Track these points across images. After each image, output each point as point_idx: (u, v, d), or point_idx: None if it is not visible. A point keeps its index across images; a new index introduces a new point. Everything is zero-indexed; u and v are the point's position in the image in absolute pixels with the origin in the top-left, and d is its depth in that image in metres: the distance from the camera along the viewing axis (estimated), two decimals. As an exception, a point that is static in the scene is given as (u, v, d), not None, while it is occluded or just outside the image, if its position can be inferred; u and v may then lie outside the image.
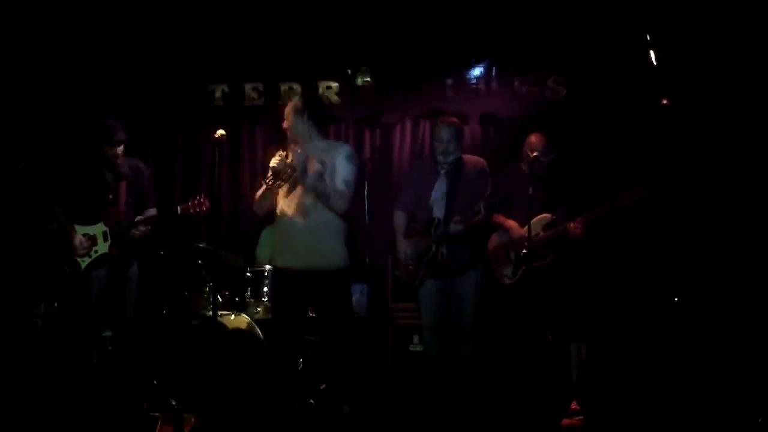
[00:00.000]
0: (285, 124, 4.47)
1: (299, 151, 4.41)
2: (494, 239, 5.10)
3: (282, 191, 4.43)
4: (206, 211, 4.89)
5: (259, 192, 4.53)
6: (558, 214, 4.95)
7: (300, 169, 4.32)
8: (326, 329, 4.46)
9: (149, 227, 5.00)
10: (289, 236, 4.40)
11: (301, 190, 4.35)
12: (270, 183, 4.40)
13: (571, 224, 4.83)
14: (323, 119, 4.55)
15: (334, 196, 4.31)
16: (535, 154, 4.91)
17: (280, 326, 4.46)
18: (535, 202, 4.76)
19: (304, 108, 4.44)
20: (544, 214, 4.92)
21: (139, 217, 5.00)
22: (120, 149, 5.01)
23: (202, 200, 4.89)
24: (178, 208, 4.93)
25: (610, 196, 4.81)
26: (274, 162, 4.39)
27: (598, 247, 5.37)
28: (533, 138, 5.10)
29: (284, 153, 4.44)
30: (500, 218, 5.01)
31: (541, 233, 4.90)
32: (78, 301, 4.96)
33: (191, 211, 4.91)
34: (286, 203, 4.41)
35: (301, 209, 4.35)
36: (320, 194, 4.30)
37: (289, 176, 4.35)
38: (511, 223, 4.99)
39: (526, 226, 4.80)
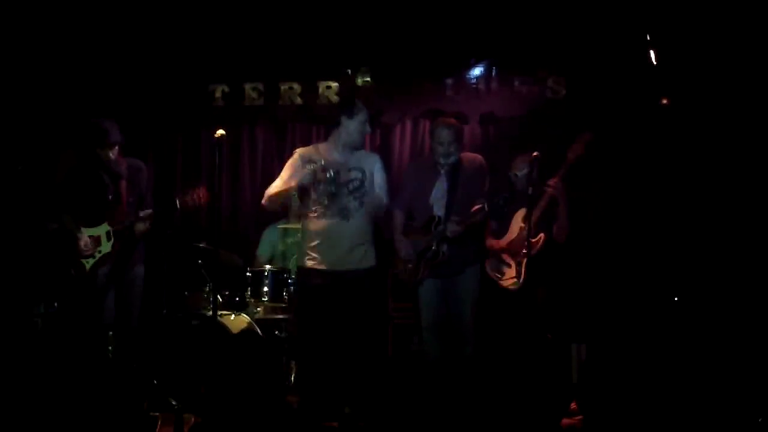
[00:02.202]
0: (347, 121, 4.55)
1: (333, 153, 4.52)
2: (490, 259, 5.08)
3: (323, 196, 4.49)
4: (204, 203, 4.90)
5: (275, 189, 4.55)
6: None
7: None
8: (349, 329, 4.48)
9: (149, 223, 5.00)
10: (328, 236, 4.47)
11: (345, 195, 4.46)
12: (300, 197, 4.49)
13: (549, 186, 4.84)
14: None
15: (378, 204, 4.57)
16: (535, 154, 4.89)
17: (308, 330, 4.52)
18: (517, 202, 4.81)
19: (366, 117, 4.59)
20: (521, 209, 4.92)
21: (140, 214, 4.99)
22: (115, 151, 5.00)
23: (199, 192, 4.90)
24: (177, 201, 4.94)
25: (562, 156, 4.85)
26: (307, 178, 4.45)
27: (595, 236, 5.42)
28: (518, 160, 5.12)
29: (322, 151, 4.57)
30: (485, 232, 5.03)
31: (525, 225, 4.87)
32: (83, 301, 4.97)
33: (189, 203, 4.91)
34: (327, 206, 4.48)
35: (344, 212, 4.47)
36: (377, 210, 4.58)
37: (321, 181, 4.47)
38: (491, 242, 5.03)
39: (510, 229, 4.95)
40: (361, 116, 4.56)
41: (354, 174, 4.52)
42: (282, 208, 4.88)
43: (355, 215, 4.48)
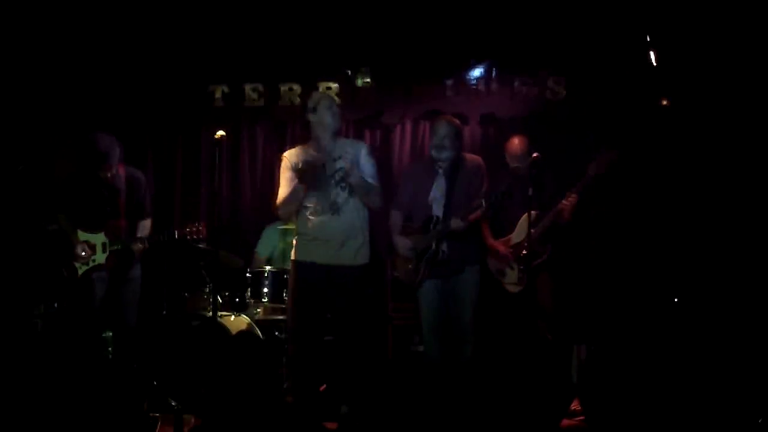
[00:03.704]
0: (312, 116, 4.55)
1: (318, 149, 4.52)
2: (493, 254, 5.08)
3: (312, 188, 4.50)
4: (203, 239, 4.94)
5: (284, 195, 4.58)
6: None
7: (348, 164, 4.46)
8: (345, 325, 4.48)
9: (146, 245, 5.02)
10: (319, 232, 4.46)
11: (332, 186, 4.44)
12: (301, 180, 4.47)
13: (563, 201, 4.85)
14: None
15: (374, 192, 4.52)
16: (535, 155, 4.90)
17: (302, 321, 4.50)
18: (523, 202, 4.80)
19: (338, 108, 4.59)
20: (527, 213, 4.91)
21: (139, 235, 5.02)
22: (113, 170, 5.01)
23: (200, 228, 4.91)
24: (176, 232, 4.95)
25: (582, 173, 4.84)
26: (303, 159, 4.48)
27: (595, 236, 5.41)
28: (516, 140, 5.12)
29: (308, 149, 4.58)
30: (484, 233, 5.02)
31: (532, 230, 4.88)
32: (78, 302, 4.97)
33: (188, 238, 4.93)
34: (315, 200, 4.48)
35: (334, 206, 4.47)
36: (365, 190, 4.48)
37: (316, 173, 4.48)
38: (492, 241, 5.02)
39: (515, 232, 4.96)
40: (323, 103, 4.57)
41: (339, 164, 4.51)
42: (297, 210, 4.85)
43: (344, 209, 4.48)
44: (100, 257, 4.96)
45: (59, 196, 5.03)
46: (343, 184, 4.50)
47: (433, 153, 4.83)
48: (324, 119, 4.55)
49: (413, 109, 6.26)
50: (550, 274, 5.01)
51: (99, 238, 4.95)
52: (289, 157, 4.66)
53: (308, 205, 4.53)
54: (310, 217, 4.52)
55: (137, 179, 5.16)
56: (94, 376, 4.72)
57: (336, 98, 4.68)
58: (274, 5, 6.03)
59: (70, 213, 4.98)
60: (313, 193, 4.50)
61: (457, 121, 4.99)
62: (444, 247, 4.75)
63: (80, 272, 4.94)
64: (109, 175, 4.98)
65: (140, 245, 5.00)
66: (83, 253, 4.90)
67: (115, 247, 4.93)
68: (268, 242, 5.95)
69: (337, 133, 4.64)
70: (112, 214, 4.99)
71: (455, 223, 4.64)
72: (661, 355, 5.15)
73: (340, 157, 4.52)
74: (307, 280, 4.56)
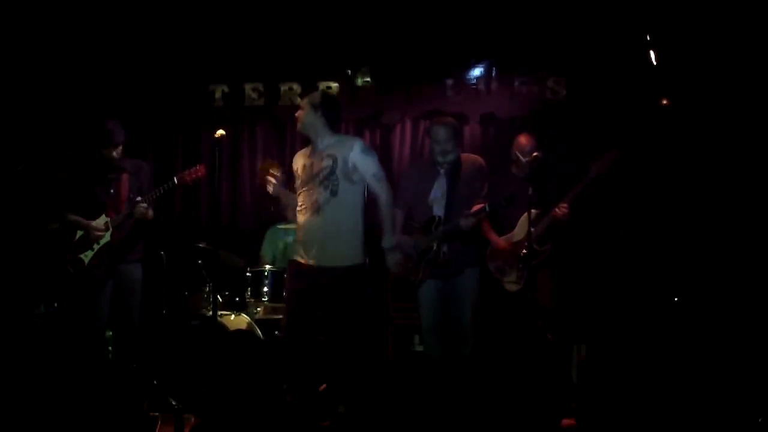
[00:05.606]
0: (299, 114, 4.55)
1: (306, 154, 4.54)
2: (493, 252, 5.09)
3: (298, 187, 4.52)
4: (203, 178, 4.95)
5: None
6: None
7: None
8: (334, 326, 4.48)
9: (148, 207, 4.98)
10: (303, 232, 4.47)
11: (316, 185, 4.42)
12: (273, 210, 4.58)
13: (557, 209, 4.85)
14: (336, 120, 4.59)
15: (386, 203, 4.49)
16: (535, 154, 4.91)
17: (291, 320, 4.49)
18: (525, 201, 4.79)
19: (320, 103, 4.50)
20: (531, 210, 4.92)
21: (137, 199, 4.99)
22: (119, 150, 5.02)
23: (197, 168, 4.94)
24: (175, 179, 4.97)
25: (583, 172, 4.83)
26: (270, 190, 4.66)
27: (595, 235, 5.42)
28: (523, 139, 5.12)
29: (277, 174, 4.73)
30: (486, 229, 5.02)
31: (533, 229, 4.89)
32: (81, 301, 4.97)
33: (187, 179, 4.95)
34: (301, 199, 4.49)
35: (315, 206, 4.42)
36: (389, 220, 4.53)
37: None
38: (494, 237, 5.02)
39: (516, 230, 4.94)
40: (302, 104, 4.57)
41: (326, 162, 4.43)
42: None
43: (325, 209, 4.39)
44: (106, 237, 4.97)
45: (63, 183, 5.03)
46: (326, 183, 4.41)
47: (439, 159, 4.80)
48: (304, 120, 4.53)
49: (413, 109, 6.27)
50: (550, 273, 5.01)
51: (101, 221, 4.98)
52: (295, 159, 4.67)
53: (299, 204, 4.53)
54: (298, 216, 4.52)
55: (141, 166, 5.20)
56: (94, 376, 4.73)
57: (320, 96, 4.60)
58: (274, 5, 6.03)
59: (73, 201, 4.99)
60: (301, 193, 4.49)
61: (453, 120, 4.97)
62: (445, 248, 4.74)
63: (86, 261, 4.94)
64: (114, 154, 4.99)
65: (142, 208, 4.94)
66: (99, 231, 4.94)
67: (118, 219, 4.95)
68: (270, 243, 5.96)
69: (333, 130, 4.55)
70: (114, 195, 5.00)
71: (465, 222, 4.60)
72: (661, 354, 5.16)
73: (329, 155, 4.44)
74: (296, 279, 4.53)
